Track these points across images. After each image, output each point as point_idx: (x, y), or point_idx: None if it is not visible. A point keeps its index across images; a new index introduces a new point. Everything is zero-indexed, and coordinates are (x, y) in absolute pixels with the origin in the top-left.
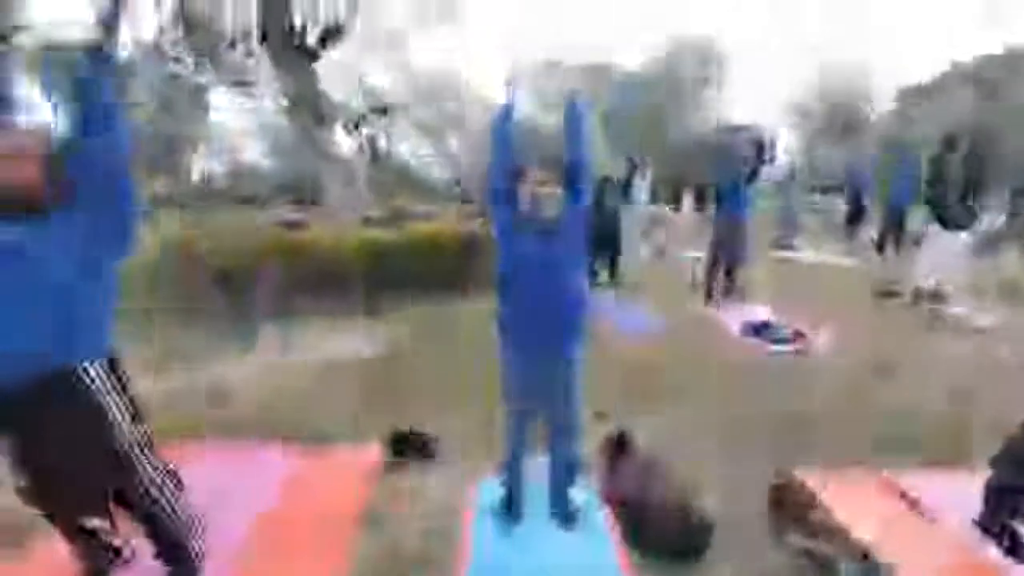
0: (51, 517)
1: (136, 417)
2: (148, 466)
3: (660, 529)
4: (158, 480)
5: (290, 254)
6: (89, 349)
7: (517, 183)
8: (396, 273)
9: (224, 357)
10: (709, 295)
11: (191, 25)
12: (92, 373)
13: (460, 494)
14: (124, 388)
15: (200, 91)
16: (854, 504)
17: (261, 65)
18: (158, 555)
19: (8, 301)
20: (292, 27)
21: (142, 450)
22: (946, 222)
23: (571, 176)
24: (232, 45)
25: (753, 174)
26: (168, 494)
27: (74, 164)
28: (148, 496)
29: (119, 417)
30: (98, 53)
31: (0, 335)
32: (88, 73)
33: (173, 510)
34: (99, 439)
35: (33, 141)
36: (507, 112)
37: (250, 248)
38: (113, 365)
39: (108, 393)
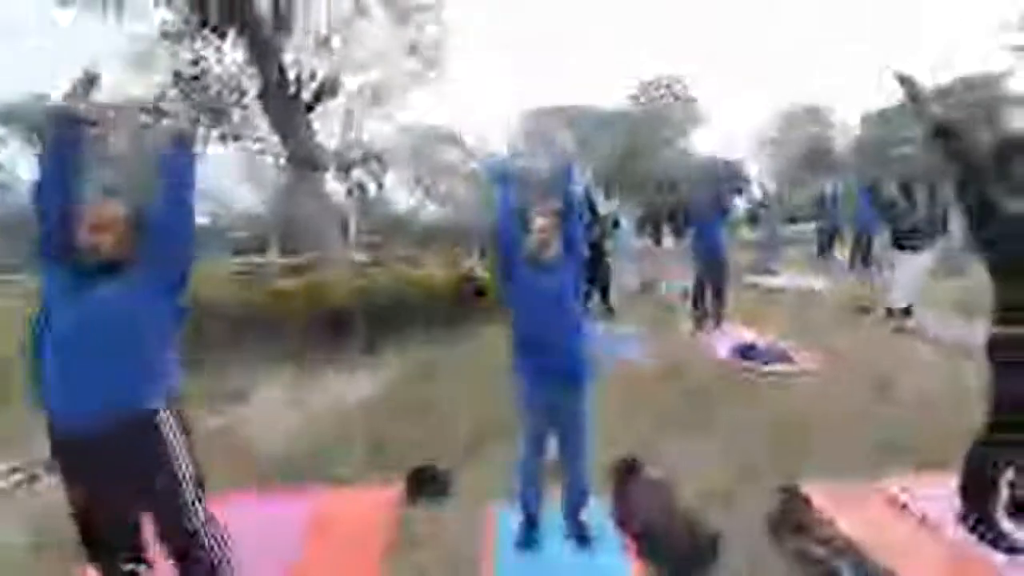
0: (96, 555)
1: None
2: (199, 505)
3: (670, 545)
4: (203, 516)
5: (286, 300)
6: (163, 391)
7: (521, 227)
8: (390, 316)
9: (229, 402)
10: (697, 322)
11: (189, 81)
12: (164, 415)
13: (477, 524)
14: (182, 423)
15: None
16: (856, 514)
17: (256, 116)
18: None
19: (96, 350)
20: (287, 81)
21: (197, 488)
22: (902, 245)
23: (565, 215)
24: (224, 97)
25: (724, 204)
26: (211, 533)
27: (147, 229)
28: (195, 534)
29: (182, 458)
30: (182, 136)
31: (89, 383)
32: (171, 153)
33: (212, 549)
34: (165, 479)
35: (113, 211)
36: (510, 162)
37: (246, 295)
38: (176, 398)
39: (175, 434)
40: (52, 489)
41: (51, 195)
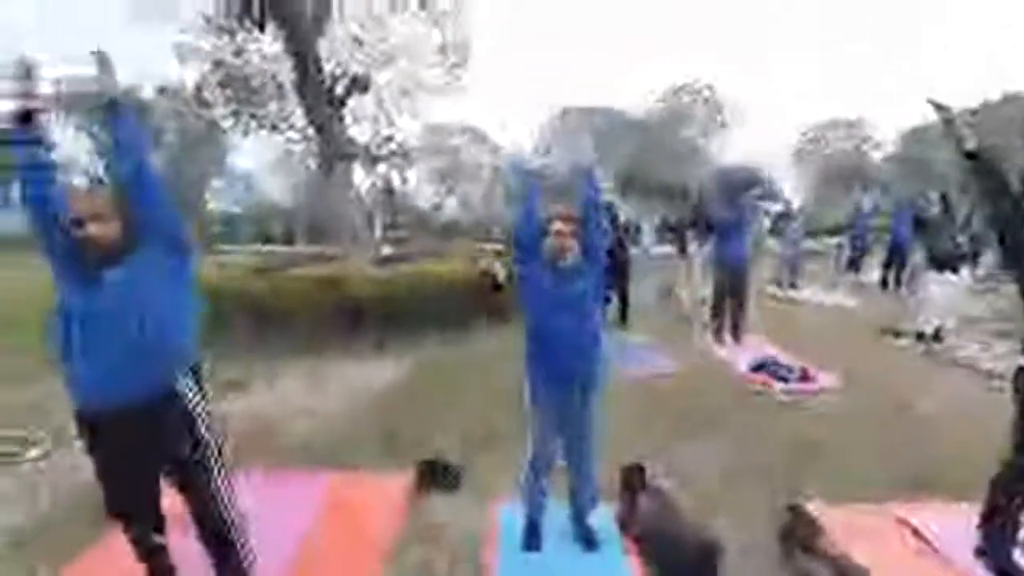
0: (128, 526)
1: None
2: (219, 468)
3: (673, 551)
4: (228, 486)
5: (310, 289)
6: (184, 363)
7: (543, 231)
8: (411, 309)
9: (246, 388)
10: (716, 333)
11: (229, 73)
12: (185, 384)
13: (484, 519)
14: (202, 391)
15: (223, 133)
16: (868, 538)
17: (290, 107)
18: (208, 547)
19: (111, 336)
20: (323, 77)
21: (218, 454)
22: (937, 264)
23: (585, 220)
24: (262, 88)
25: (747, 213)
26: (234, 505)
27: (130, 208)
28: (216, 496)
29: (206, 427)
30: (115, 106)
31: (110, 368)
32: (114, 125)
33: (234, 520)
34: (190, 447)
35: (104, 197)
36: (535, 163)
37: (270, 283)
38: (195, 372)
39: (199, 404)
40: (34, 466)
41: (31, 197)
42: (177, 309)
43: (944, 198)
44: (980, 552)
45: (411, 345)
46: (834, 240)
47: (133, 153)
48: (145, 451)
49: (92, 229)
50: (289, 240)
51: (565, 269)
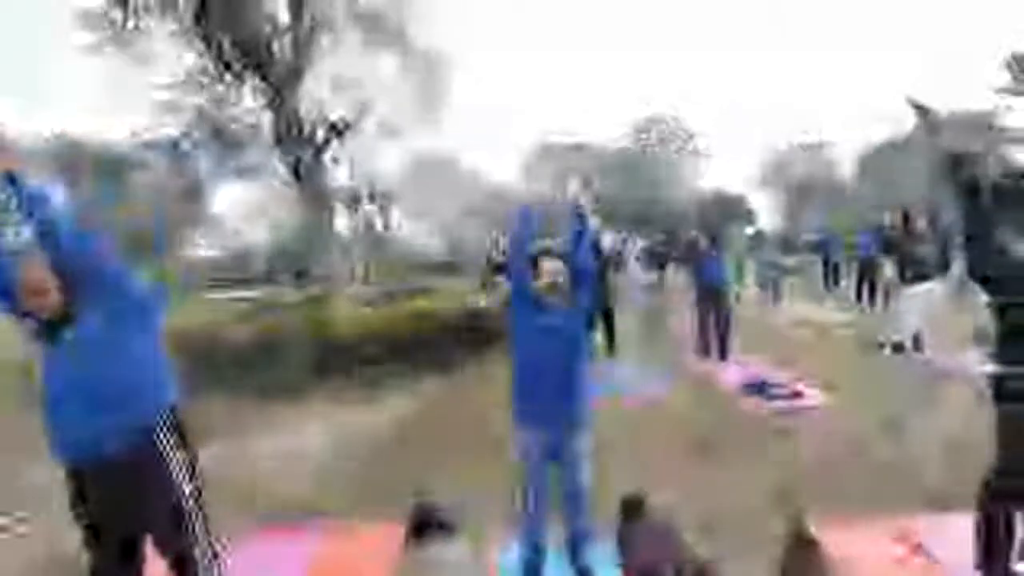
0: None
1: (193, 471)
2: (202, 522)
3: None
4: (205, 535)
5: (291, 332)
6: (157, 413)
7: (532, 269)
8: (394, 349)
9: (230, 435)
10: (704, 353)
11: (211, 125)
12: (162, 436)
13: (481, 562)
14: (185, 442)
15: (205, 180)
16: (863, 551)
17: (269, 151)
18: None
19: (81, 390)
20: (301, 122)
21: (198, 506)
22: (907, 277)
23: (572, 255)
24: (244, 142)
25: (723, 235)
26: (213, 554)
27: (66, 272)
28: (193, 551)
29: (181, 475)
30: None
31: (83, 421)
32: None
33: (210, 568)
34: (164, 497)
35: (39, 269)
36: (527, 213)
37: (251, 327)
38: (177, 423)
39: (176, 453)
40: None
41: None
42: (142, 361)
43: (905, 215)
44: (979, 565)
45: (400, 386)
46: (791, 259)
47: (43, 220)
48: (122, 508)
49: (33, 302)
50: (269, 282)
51: (552, 302)
